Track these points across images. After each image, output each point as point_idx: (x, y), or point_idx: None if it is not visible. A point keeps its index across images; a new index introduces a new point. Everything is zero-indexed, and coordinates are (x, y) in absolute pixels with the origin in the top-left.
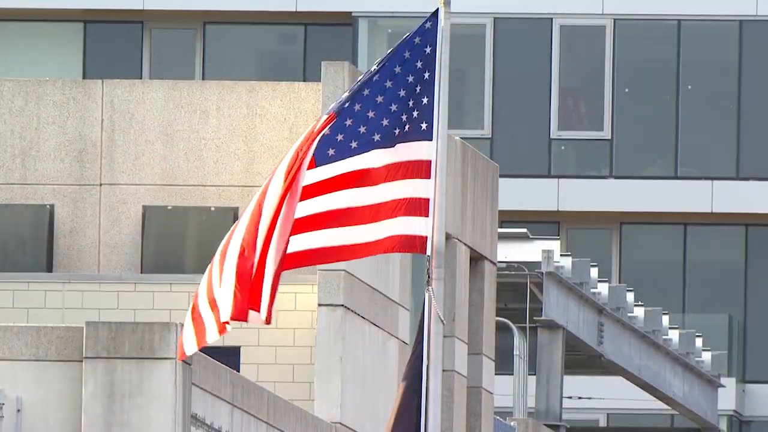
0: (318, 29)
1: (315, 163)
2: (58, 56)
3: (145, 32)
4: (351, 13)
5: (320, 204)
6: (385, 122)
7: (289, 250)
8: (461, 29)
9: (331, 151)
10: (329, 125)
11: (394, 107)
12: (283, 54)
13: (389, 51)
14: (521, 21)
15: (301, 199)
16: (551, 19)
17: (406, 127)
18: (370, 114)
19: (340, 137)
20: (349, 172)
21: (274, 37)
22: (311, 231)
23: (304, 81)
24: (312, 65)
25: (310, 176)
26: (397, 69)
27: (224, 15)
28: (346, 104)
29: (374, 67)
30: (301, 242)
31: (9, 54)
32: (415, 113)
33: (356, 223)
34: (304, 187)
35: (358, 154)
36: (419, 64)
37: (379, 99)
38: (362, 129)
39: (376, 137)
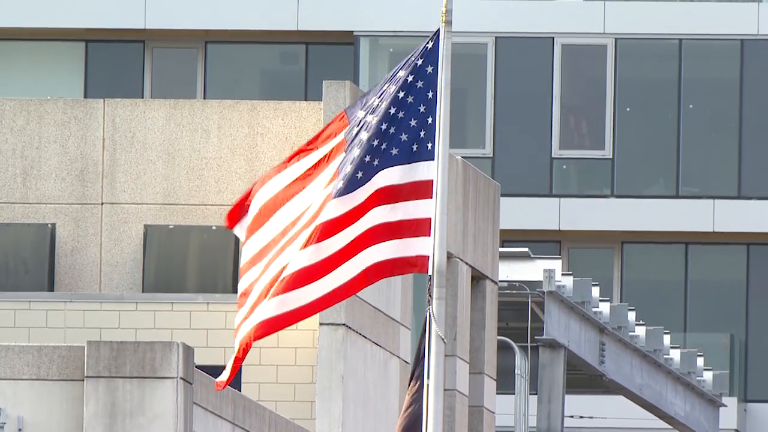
0: (319, 48)
1: (332, 196)
2: (60, 76)
3: (147, 51)
4: (352, 32)
5: (337, 242)
6: (384, 146)
7: (304, 301)
8: (462, 48)
9: (340, 184)
10: (339, 157)
11: (392, 130)
12: (284, 73)
13: (395, 68)
14: (522, 40)
15: (319, 240)
16: (552, 38)
17: (414, 148)
18: (374, 142)
19: (348, 168)
20: (361, 203)
21: (275, 56)
22: (328, 274)
23: (305, 100)
24: (313, 84)
25: (329, 212)
26: (400, 93)
27: (226, 34)
28: (353, 131)
29: (377, 88)
30: (322, 287)
31: (10, 73)
32: (421, 133)
33: (367, 246)
34: (322, 225)
35: (366, 182)
36: (420, 85)
37: (384, 126)
38: (367, 158)
39: (376, 162)
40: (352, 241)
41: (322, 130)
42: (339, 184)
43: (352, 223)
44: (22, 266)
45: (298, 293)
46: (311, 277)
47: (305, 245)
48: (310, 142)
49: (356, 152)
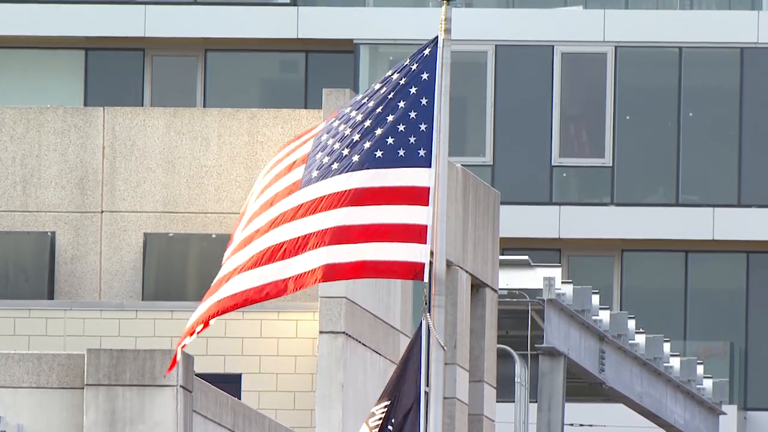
0: (319, 56)
1: (300, 185)
2: (60, 84)
3: (147, 59)
4: (352, 40)
5: (309, 225)
6: (367, 144)
7: (284, 275)
8: (462, 56)
9: (315, 173)
10: (312, 144)
11: (379, 131)
12: (284, 81)
13: (386, 75)
14: (522, 48)
15: (287, 221)
16: (552, 46)
17: (400, 153)
18: (356, 137)
19: (326, 159)
20: (335, 193)
21: (275, 64)
22: (303, 252)
23: (305, 108)
24: (313, 92)
25: (296, 198)
26: (390, 94)
27: (225, 42)
28: (333, 124)
29: (369, 89)
30: (297, 265)
31: (10, 81)
32: (411, 139)
33: (349, 241)
34: (291, 209)
35: (340, 173)
36: (414, 90)
37: (368, 123)
38: (345, 151)
39: (355, 158)
40: (325, 230)
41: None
42: (312, 173)
43: (325, 210)
44: (22, 274)
45: (269, 268)
46: (278, 256)
47: (272, 227)
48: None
49: (335, 145)
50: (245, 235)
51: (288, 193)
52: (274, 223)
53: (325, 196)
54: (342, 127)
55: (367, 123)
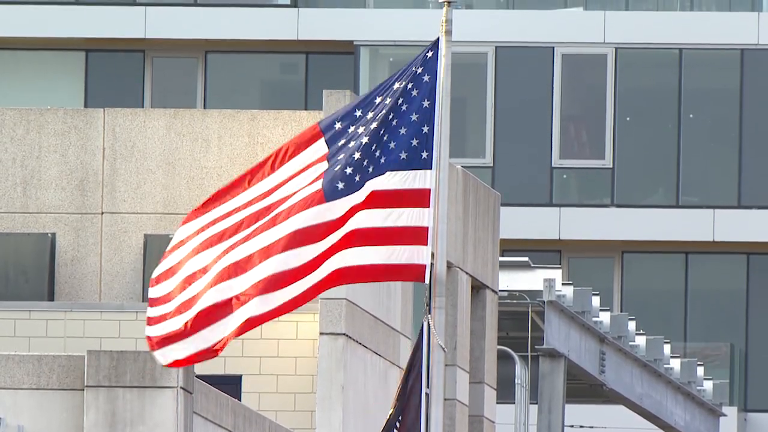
0: (319, 58)
1: (325, 198)
2: (60, 85)
3: (147, 61)
4: (353, 41)
5: (326, 244)
6: (377, 153)
7: (295, 293)
8: (463, 58)
9: (340, 185)
10: (327, 159)
11: (386, 137)
12: (284, 82)
13: (387, 80)
14: (523, 50)
15: (314, 241)
16: (553, 47)
17: (403, 156)
18: (374, 147)
19: (348, 170)
20: (351, 207)
21: (275, 65)
22: (312, 272)
23: (305, 110)
24: (314, 94)
25: (323, 213)
26: (399, 101)
27: (226, 44)
28: (342, 139)
29: (373, 96)
30: (306, 282)
31: (11, 83)
32: (414, 142)
33: (352, 246)
34: (317, 227)
35: (361, 188)
36: (416, 93)
37: (383, 131)
38: (365, 161)
39: (371, 168)
40: (337, 240)
41: (293, 142)
42: (337, 184)
43: (343, 224)
44: (23, 276)
45: (283, 292)
46: (296, 276)
47: (289, 247)
48: (275, 154)
49: (356, 155)
50: (260, 247)
51: (307, 206)
52: (316, 235)
53: (346, 211)
54: (352, 143)
55: (382, 132)
